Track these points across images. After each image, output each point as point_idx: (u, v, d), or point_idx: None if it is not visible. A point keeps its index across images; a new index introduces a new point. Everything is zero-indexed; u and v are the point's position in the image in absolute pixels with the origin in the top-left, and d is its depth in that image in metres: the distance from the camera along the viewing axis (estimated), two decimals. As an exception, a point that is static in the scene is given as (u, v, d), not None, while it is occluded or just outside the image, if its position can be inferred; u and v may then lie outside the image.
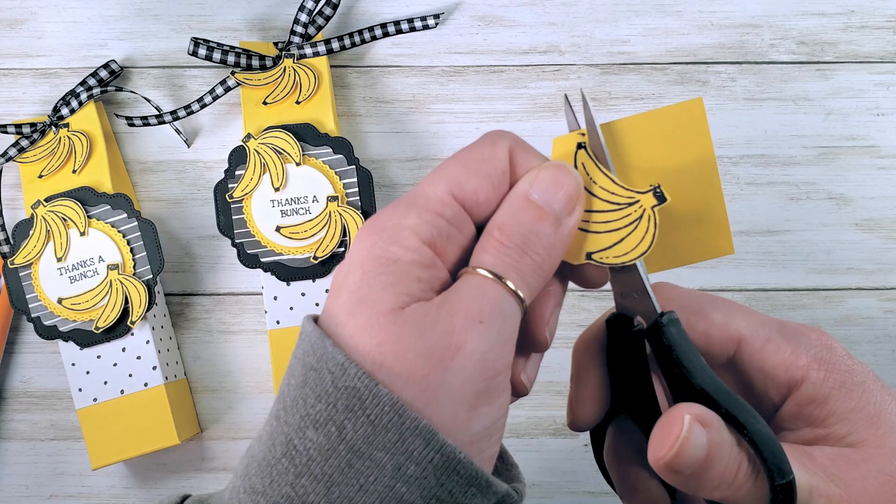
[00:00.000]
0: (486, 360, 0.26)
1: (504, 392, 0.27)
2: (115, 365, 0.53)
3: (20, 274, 0.53)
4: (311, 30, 0.55)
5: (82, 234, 0.53)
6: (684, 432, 0.27)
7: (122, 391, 0.53)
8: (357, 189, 0.53)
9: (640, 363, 0.31)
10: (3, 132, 0.54)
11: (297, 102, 0.54)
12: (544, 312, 0.30)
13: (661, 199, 0.29)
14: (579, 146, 0.30)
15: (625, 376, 0.32)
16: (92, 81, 0.55)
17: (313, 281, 0.53)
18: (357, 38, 0.55)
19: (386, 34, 0.55)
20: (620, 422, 0.33)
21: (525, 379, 0.30)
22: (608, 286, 0.31)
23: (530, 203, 0.28)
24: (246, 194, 0.53)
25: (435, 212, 0.28)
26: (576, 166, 0.30)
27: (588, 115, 0.30)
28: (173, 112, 0.54)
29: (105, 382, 0.53)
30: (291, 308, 0.53)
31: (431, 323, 0.26)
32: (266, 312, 0.53)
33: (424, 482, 0.25)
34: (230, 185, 0.53)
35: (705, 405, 0.28)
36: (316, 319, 0.28)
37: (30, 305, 0.53)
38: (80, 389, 0.53)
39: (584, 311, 0.55)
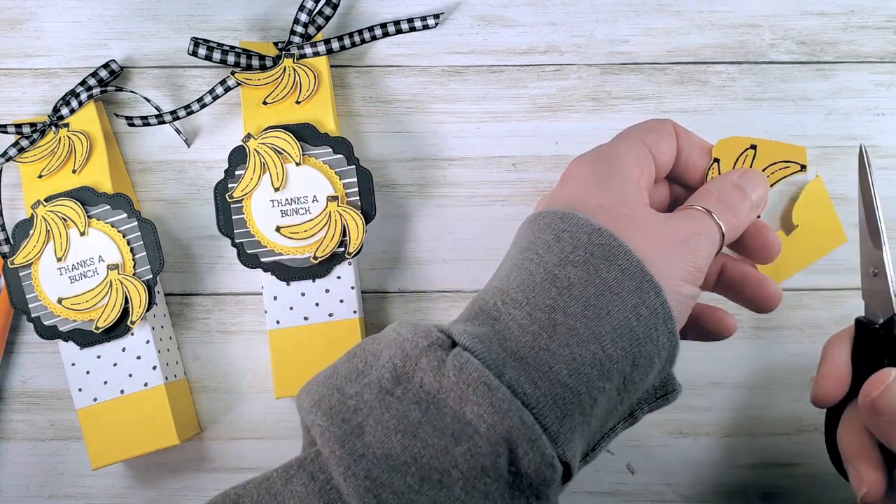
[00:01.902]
0: (697, 258, 0.36)
1: (699, 287, 0.37)
2: (115, 365, 0.53)
3: (20, 274, 0.53)
4: (311, 30, 0.55)
5: (82, 234, 0.53)
6: (890, 380, 0.36)
7: (122, 391, 0.53)
8: (357, 189, 0.53)
9: (879, 355, 0.39)
10: (3, 132, 0.54)
11: (297, 102, 0.54)
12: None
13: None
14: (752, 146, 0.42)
15: (866, 366, 0.39)
16: (92, 81, 0.55)
17: (313, 281, 0.53)
18: (357, 38, 0.55)
19: (386, 34, 0.55)
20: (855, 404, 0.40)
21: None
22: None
23: (738, 187, 0.39)
24: (246, 194, 0.53)
25: (640, 142, 0.39)
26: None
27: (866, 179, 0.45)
28: (173, 112, 0.54)
29: (105, 382, 0.53)
30: (291, 308, 0.53)
31: (663, 219, 0.37)
32: (266, 312, 0.53)
33: (649, 323, 0.33)
34: (230, 185, 0.53)
35: None
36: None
37: (30, 305, 0.53)
38: (80, 389, 0.53)
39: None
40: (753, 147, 0.41)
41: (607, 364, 0.32)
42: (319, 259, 0.52)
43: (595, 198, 0.36)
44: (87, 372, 0.53)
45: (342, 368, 0.35)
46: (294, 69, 0.54)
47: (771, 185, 0.42)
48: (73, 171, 0.54)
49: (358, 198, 0.53)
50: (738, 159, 0.41)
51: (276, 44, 0.56)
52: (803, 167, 0.41)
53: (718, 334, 0.43)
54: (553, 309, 0.33)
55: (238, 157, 0.54)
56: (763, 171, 0.41)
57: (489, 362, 0.32)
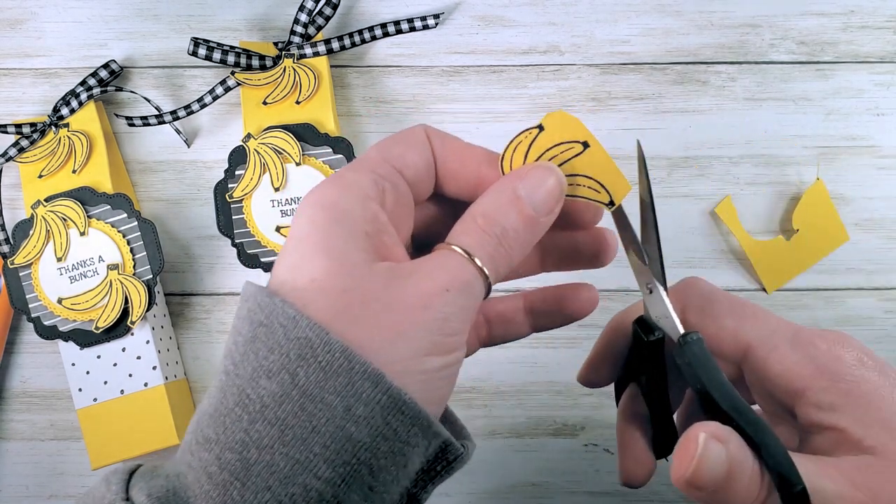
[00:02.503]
0: (446, 321, 0.28)
1: (458, 349, 0.29)
2: (115, 365, 0.53)
3: (20, 274, 0.53)
4: (311, 30, 0.55)
5: (82, 234, 0.53)
6: (700, 450, 0.28)
7: (122, 391, 0.53)
8: (357, 189, 0.53)
9: (657, 362, 0.34)
10: (3, 132, 0.54)
11: (297, 102, 0.54)
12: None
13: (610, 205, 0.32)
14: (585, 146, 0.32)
15: (642, 367, 0.35)
16: (92, 81, 0.55)
17: (313, 281, 0.53)
18: (357, 38, 0.55)
19: (386, 34, 0.55)
20: (634, 387, 0.37)
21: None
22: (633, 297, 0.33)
23: (517, 197, 0.30)
24: (246, 194, 0.53)
25: (370, 170, 0.30)
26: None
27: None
28: (173, 112, 0.54)
29: (105, 382, 0.53)
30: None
31: (399, 281, 0.28)
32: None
33: (372, 421, 0.27)
34: (230, 185, 0.53)
35: (723, 420, 0.29)
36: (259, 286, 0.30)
37: (30, 305, 0.53)
38: (80, 389, 0.53)
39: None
40: (540, 128, 0.32)
41: (329, 491, 0.26)
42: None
43: (308, 267, 0.28)
44: (87, 372, 0.53)
45: None
46: (294, 69, 0.54)
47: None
48: (73, 171, 0.54)
49: (358, 198, 0.53)
50: (515, 140, 0.32)
51: (276, 44, 0.56)
52: (585, 145, 0.32)
53: (598, 258, 0.35)
54: (245, 445, 0.26)
55: (238, 157, 0.54)
56: (545, 151, 0.32)
57: None
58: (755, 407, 0.35)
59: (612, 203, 0.32)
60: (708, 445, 0.28)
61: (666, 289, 0.33)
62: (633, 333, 0.35)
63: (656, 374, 0.34)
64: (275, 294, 0.28)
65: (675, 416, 0.37)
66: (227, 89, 0.54)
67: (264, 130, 0.53)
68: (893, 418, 0.30)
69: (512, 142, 0.32)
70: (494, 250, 0.30)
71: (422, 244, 0.34)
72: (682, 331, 0.32)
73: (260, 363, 0.27)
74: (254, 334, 0.28)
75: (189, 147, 0.57)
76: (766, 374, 0.33)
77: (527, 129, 0.32)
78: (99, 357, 0.53)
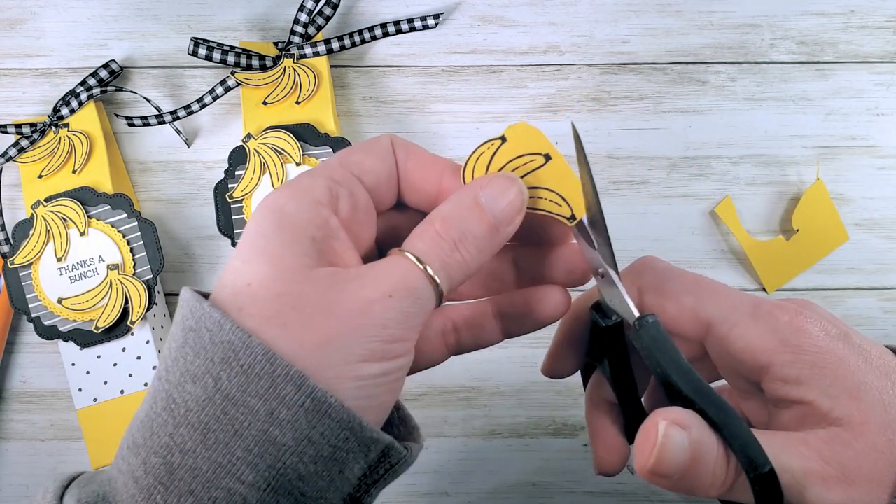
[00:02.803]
0: (385, 329, 0.27)
1: (402, 356, 0.28)
2: (115, 365, 0.53)
3: (20, 274, 0.53)
4: (311, 30, 0.55)
5: (82, 234, 0.53)
6: (660, 438, 0.28)
7: (122, 391, 0.53)
8: (357, 189, 0.53)
9: (617, 345, 0.33)
10: (3, 132, 0.54)
11: (297, 102, 0.54)
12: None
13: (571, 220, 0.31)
14: (547, 158, 0.32)
15: (604, 351, 0.34)
16: (92, 81, 0.55)
17: (313, 281, 0.53)
18: (357, 38, 0.55)
19: (386, 34, 0.55)
20: (600, 373, 0.36)
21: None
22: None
23: (476, 205, 0.30)
24: (246, 194, 0.53)
25: (326, 176, 0.30)
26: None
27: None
28: (173, 112, 0.54)
29: (105, 382, 0.53)
30: (291, 308, 0.53)
31: (340, 286, 0.28)
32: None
33: (296, 425, 0.26)
34: (230, 185, 0.53)
35: (685, 403, 0.29)
36: (199, 291, 0.29)
37: (30, 305, 0.53)
38: (80, 389, 0.53)
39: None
40: (503, 139, 0.32)
41: (254, 496, 0.26)
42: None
43: (246, 271, 0.28)
44: (87, 372, 0.53)
45: None
46: (294, 69, 0.54)
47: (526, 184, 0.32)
48: (73, 171, 0.54)
49: (358, 198, 0.53)
50: (477, 151, 0.32)
51: (276, 44, 0.56)
52: (547, 157, 0.31)
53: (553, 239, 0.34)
54: (169, 449, 0.26)
55: (238, 157, 0.54)
56: (507, 163, 0.32)
57: None
58: (724, 384, 0.35)
59: (573, 217, 0.31)
60: (668, 433, 0.28)
61: (618, 272, 0.32)
62: (590, 319, 0.34)
63: (619, 359, 0.34)
64: (206, 299, 0.28)
65: (643, 400, 0.36)
66: (227, 89, 0.54)
67: (264, 130, 0.53)
68: (859, 388, 0.30)
69: (474, 152, 0.32)
70: (449, 256, 0.29)
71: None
72: (636, 314, 0.31)
73: (187, 368, 0.27)
74: (184, 339, 0.28)
75: (189, 147, 0.57)
76: (729, 350, 0.32)
77: (489, 140, 0.32)
78: (99, 357, 0.53)
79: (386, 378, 0.28)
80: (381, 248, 0.33)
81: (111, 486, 0.28)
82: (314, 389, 0.26)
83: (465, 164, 0.32)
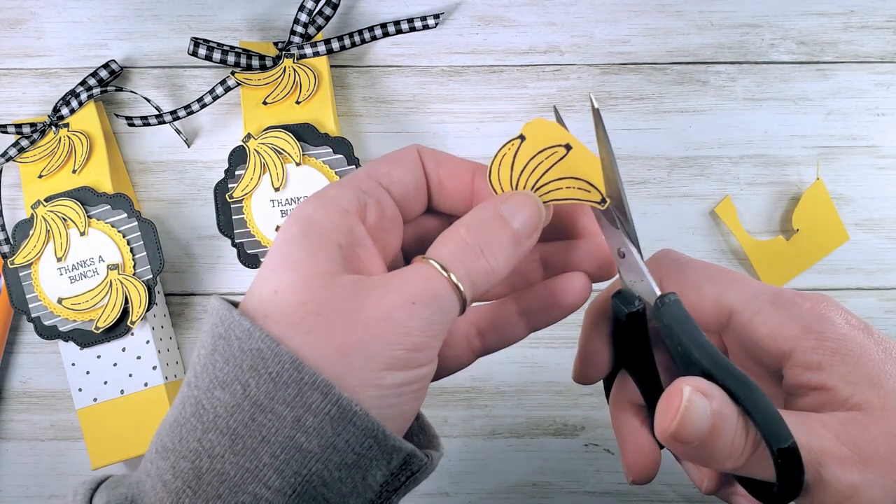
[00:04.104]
0: (408, 336, 0.28)
1: (425, 365, 0.29)
2: (115, 365, 0.53)
3: (20, 274, 0.53)
4: (311, 30, 0.55)
5: (82, 234, 0.53)
6: (685, 402, 0.28)
7: (122, 391, 0.53)
8: (357, 189, 0.53)
9: (641, 336, 0.33)
10: (3, 132, 0.54)
11: (297, 102, 0.54)
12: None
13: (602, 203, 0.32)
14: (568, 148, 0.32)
15: (628, 345, 0.34)
16: (92, 81, 0.55)
17: (313, 281, 0.53)
18: (357, 38, 0.55)
19: (386, 34, 0.55)
20: (623, 375, 0.36)
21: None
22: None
23: (498, 215, 0.30)
24: (246, 194, 0.53)
25: (353, 186, 0.31)
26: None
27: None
28: (173, 112, 0.54)
29: (105, 382, 0.53)
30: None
31: (364, 292, 0.28)
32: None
33: (322, 432, 0.27)
34: (230, 185, 0.53)
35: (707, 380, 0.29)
36: (228, 300, 0.30)
37: (30, 305, 0.53)
38: (80, 389, 0.53)
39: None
40: (522, 138, 0.32)
41: (279, 501, 0.27)
42: (319, 259, 0.52)
43: (273, 279, 0.28)
44: (87, 372, 0.53)
45: None
46: (294, 69, 0.54)
47: (545, 188, 0.32)
48: (73, 171, 0.54)
49: (358, 198, 0.53)
50: (499, 153, 0.32)
51: (276, 44, 0.56)
52: (568, 147, 0.32)
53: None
54: (198, 454, 0.27)
55: (238, 157, 0.54)
56: (530, 160, 0.32)
57: None
58: None
59: (603, 201, 0.32)
60: (692, 399, 0.28)
61: (639, 249, 0.32)
62: (612, 310, 0.34)
63: (642, 351, 0.34)
64: (237, 306, 0.29)
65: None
66: (227, 89, 0.54)
67: (264, 130, 0.53)
68: (880, 375, 0.30)
69: (497, 155, 0.32)
70: (474, 262, 0.29)
71: None
72: (658, 292, 0.31)
73: (216, 374, 0.28)
74: (214, 346, 0.28)
75: (189, 147, 0.57)
76: (751, 337, 0.32)
77: (509, 141, 0.32)
78: (99, 357, 0.53)
79: (409, 388, 0.28)
80: (408, 256, 0.34)
81: (139, 488, 0.28)
82: (340, 398, 0.27)
83: (490, 167, 0.32)
